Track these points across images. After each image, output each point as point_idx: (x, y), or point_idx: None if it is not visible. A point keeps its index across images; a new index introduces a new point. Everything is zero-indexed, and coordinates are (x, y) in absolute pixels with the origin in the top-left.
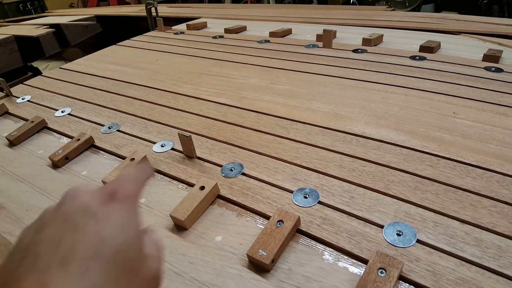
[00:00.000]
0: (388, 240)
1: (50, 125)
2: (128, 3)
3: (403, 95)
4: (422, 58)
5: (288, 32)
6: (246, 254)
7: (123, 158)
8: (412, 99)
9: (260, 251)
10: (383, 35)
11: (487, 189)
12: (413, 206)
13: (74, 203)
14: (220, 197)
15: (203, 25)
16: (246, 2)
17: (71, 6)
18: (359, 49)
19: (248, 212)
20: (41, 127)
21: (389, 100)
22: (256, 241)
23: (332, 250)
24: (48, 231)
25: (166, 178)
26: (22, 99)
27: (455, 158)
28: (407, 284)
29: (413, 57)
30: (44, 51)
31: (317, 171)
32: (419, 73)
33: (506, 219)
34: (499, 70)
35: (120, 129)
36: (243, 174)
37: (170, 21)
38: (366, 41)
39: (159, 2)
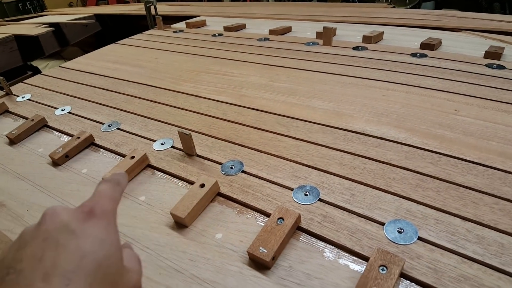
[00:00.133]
0: (389, 238)
1: (50, 124)
2: (127, 2)
3: (404, 93)
4: (423, 55)
5: (288, 29)
6: (247, 251)
7: (123, 156)
8: (413, 96)
9: (261, 248)
10: (383, 32)
11: (489, 187)
12: (414, 204)
13: (54, 221)
14: (220, 194)
15: (203, 23)
16: (246, 0)
17: (70, 5)
18: (360, 46)
19: (249, 209)
20: (41, 125)
21: (390, 98)
22: (257, 238)
23: (333, 247)
24: (30, 249)
25: (166, 176)
26: (22, 97)
27: (456, 156)
28: (408, 281)
29: (414, 55)
30: (44, 50)
31: (318, 169)
32: (420, 70)
33: (508, 217)
34: (501, 67)
35: (120, 127)
36: (243, 171)
37: (169, 20)
38: (367, 39)
39: (158, 1)
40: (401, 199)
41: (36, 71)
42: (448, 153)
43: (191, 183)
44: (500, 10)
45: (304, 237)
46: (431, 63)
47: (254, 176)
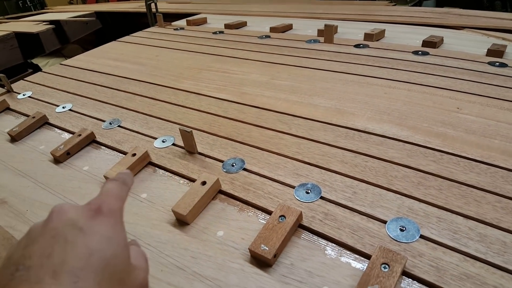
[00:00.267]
0: (391, 236)
1: (51, 121)
2: None
3: (406, 90)
4: (425, 53)
5: (289, 27)
6: (248, 248)
7: (125, 153)
8: (415, 94)
9: (262, 246)
10: (385, 30)
11: (492, 185)
12: (417, 202)
13: (62, 218)
14: (222, 192)
15: (203, 21)
16: None
17: (71, 2)
18: (361, 44)
19: (250, 207)
20: (42, 122)
21: (392, 95)
22: (258, 236)
23: (335, 245)
24: (38, 246)
25: (167, 173)
26: (23, 95)
27: (458, 154)
28: (410, 279)
29: (415, 52)
30: (44, 47)
31: (319, 167)
32: (422, 68)
33: (511, 215)
34: (503, 65)
35: (121, 125)
36: (245, 169)
37: (170, 17)
38: (368, 36)
39: None
40: (403, 197)
41: (36, 69)
42: (450, 151)
43: (193, 180)
44: (502, 8)
45: (305, 235)
46: (433, 61)
47: (255, 173)
